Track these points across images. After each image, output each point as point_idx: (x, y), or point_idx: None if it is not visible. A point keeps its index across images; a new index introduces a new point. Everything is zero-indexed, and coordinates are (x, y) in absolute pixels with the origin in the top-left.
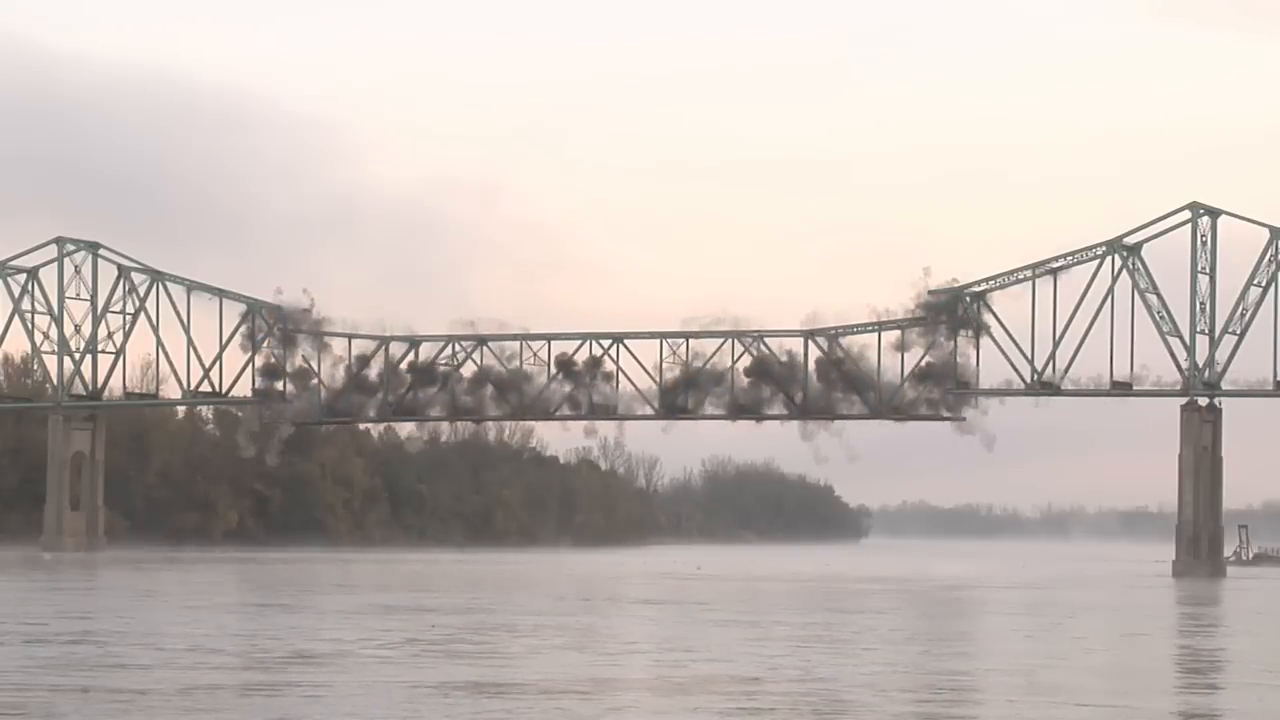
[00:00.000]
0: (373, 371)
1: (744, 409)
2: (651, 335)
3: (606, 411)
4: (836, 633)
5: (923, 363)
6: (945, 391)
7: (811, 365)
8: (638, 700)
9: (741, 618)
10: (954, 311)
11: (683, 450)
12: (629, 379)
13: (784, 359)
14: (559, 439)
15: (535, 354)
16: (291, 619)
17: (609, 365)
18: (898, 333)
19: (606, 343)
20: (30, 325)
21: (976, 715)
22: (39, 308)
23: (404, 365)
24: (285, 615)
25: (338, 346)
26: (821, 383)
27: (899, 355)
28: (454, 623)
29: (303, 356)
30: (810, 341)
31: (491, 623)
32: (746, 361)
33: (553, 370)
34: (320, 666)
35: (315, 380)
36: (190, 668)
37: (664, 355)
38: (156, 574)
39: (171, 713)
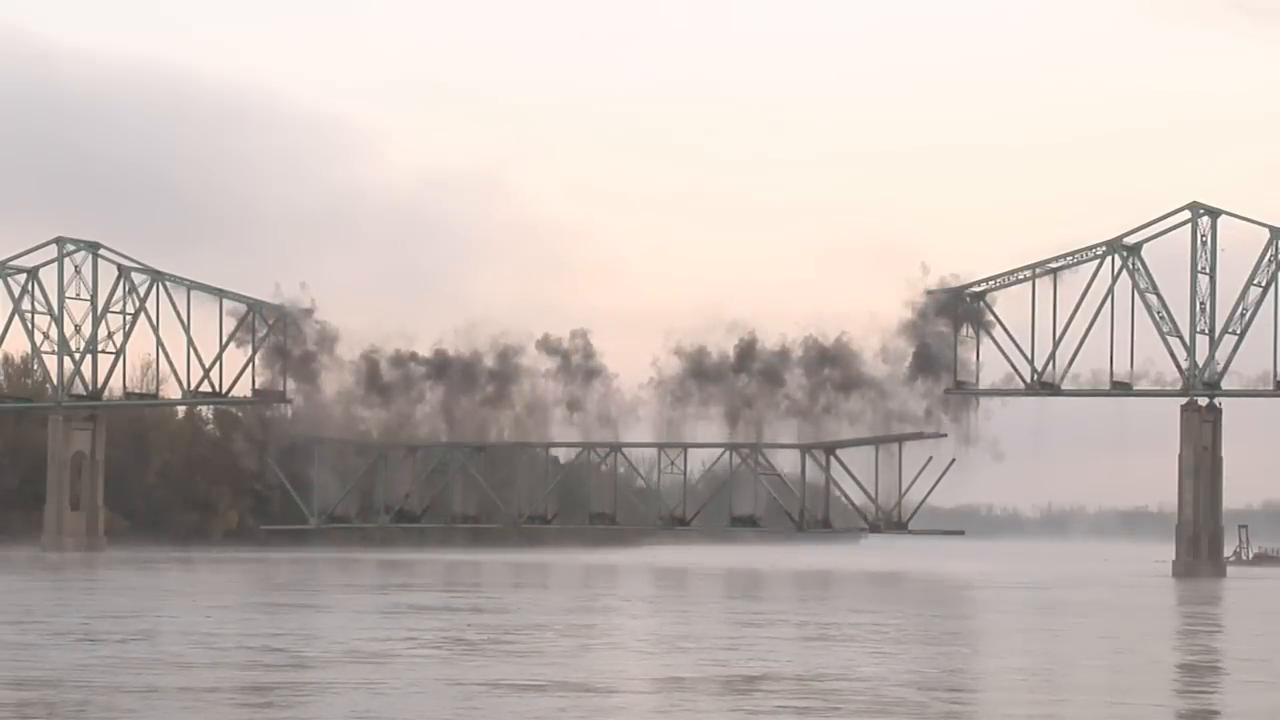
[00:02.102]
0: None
1: (740, 519)
2: (649, 445)
3: (605, 418)
4: (865, 631)
5: (915, 352)
6: (945, 392)
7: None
8: (686, 699)
9: (771, 616)
10: (954, 312)
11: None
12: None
13: (776, 352)
14: (559, 438)
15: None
16: (324, 619)
17: (602, 364)
18: (891, 335)
19: (604, 451)
20: (30, 325)
21: (1027, 714)
22: (39, 308)
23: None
24: (316, 615)
25: (343, 352)
26: (810, 380)
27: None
28: (489, 622)
29: (304, 351)
30: (808, 455)
31: (528, 622)
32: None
33: (546, 367)
34: (373, 665)
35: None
36: (248, 667)
37: (662, 466)
38: (169, 574)
39: (248, 709)
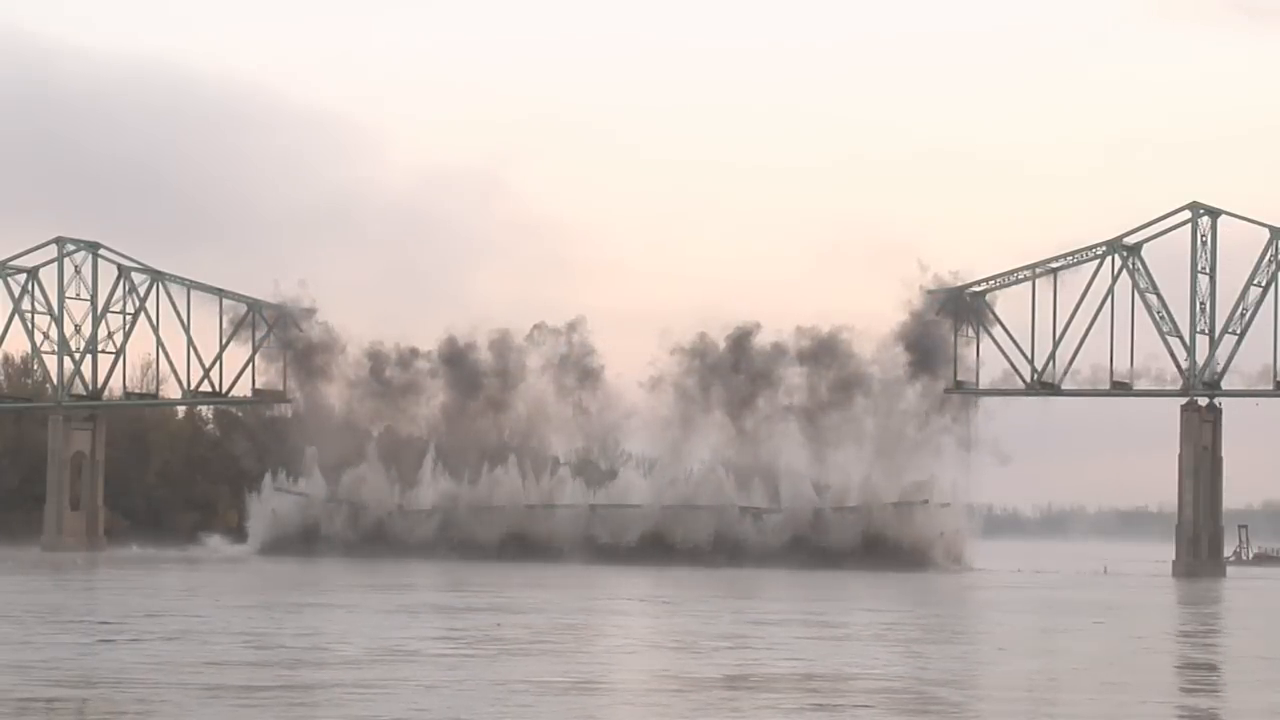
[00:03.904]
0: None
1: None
2: (630, 506)
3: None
4: (888, 630)
5: (908, 346)
6: (945, 392)
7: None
8: (729, 697)
9: (788, 616)
10: (955, 310)
11: (681, 449)
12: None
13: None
14: (560, 439)
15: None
16: (352, 618)
17: (601, 363)
18: (890, 334)
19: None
20: (30, 325)
21: (1074, 714)
22: (39, 308)
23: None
24: (343, 614)
25: (347, 355)
26: (808, 379)
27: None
28: (517, 622)
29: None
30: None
31: (555, 622)
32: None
33: (543, 362)
34: (417, 664)
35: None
36: (294, 665)
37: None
38: (181, 574)
39: (304, 708)
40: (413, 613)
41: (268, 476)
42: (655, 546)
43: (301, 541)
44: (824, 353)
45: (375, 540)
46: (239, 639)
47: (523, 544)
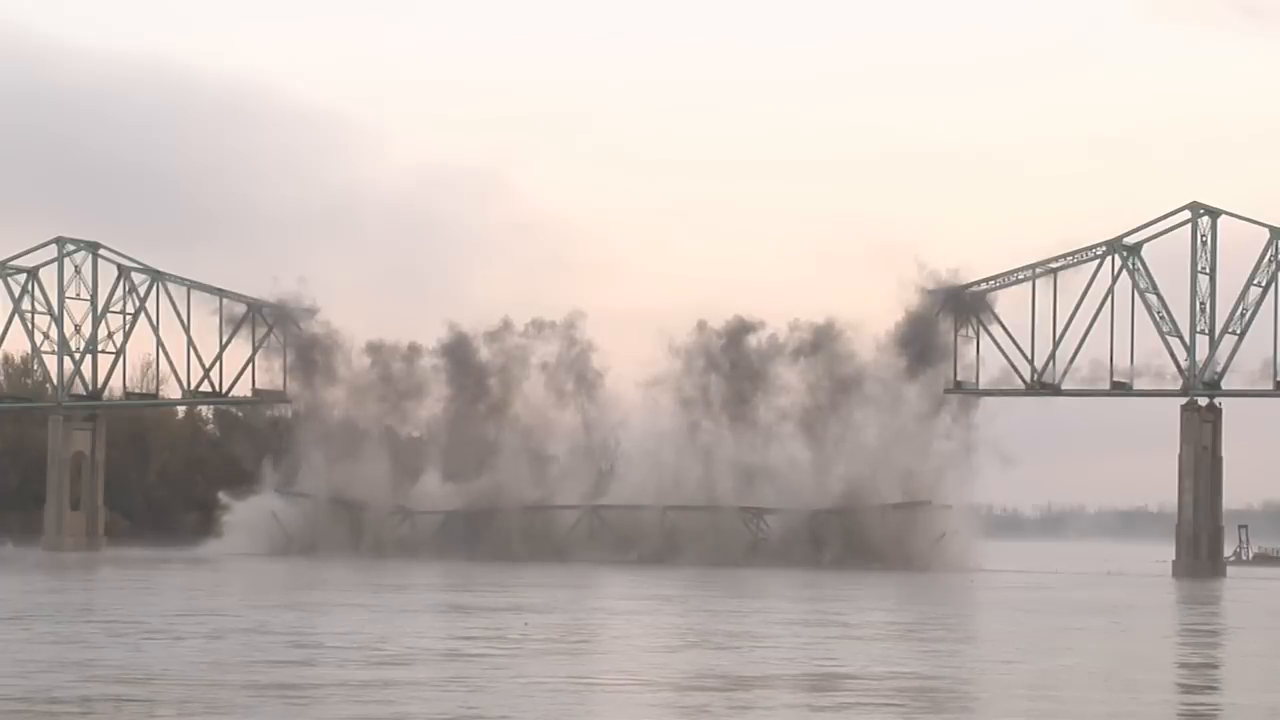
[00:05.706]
0: None
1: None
2: (631, 507)
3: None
4: (906, 631)
5: (910, 348)
6: (945, 392)
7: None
8: (766, 695)
9: (806, 616)
10: (954, 309)
11: (682, 450)
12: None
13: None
14: (559, 439)
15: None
16: (380, 617)
17: (604, 365)
18: (889, 333)
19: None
20: (30, 325)
21: (1095, 713)
22: (39, 308)
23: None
24: (370, 614)
25: (349, 354)
26: (805, 379)
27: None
28: (546, 621)
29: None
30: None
31: (582, 621)
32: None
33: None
34: (460, 662)
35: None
36: (340, 665)
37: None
38: (192, 574)
39: (360, 705)
40: (437, 612)
41: (267, 461)
42: (656, 547)
43: (301, 542)
44: (822, 345)
45: (376, 541)
46: (279, 639)
47: (525, 545)
